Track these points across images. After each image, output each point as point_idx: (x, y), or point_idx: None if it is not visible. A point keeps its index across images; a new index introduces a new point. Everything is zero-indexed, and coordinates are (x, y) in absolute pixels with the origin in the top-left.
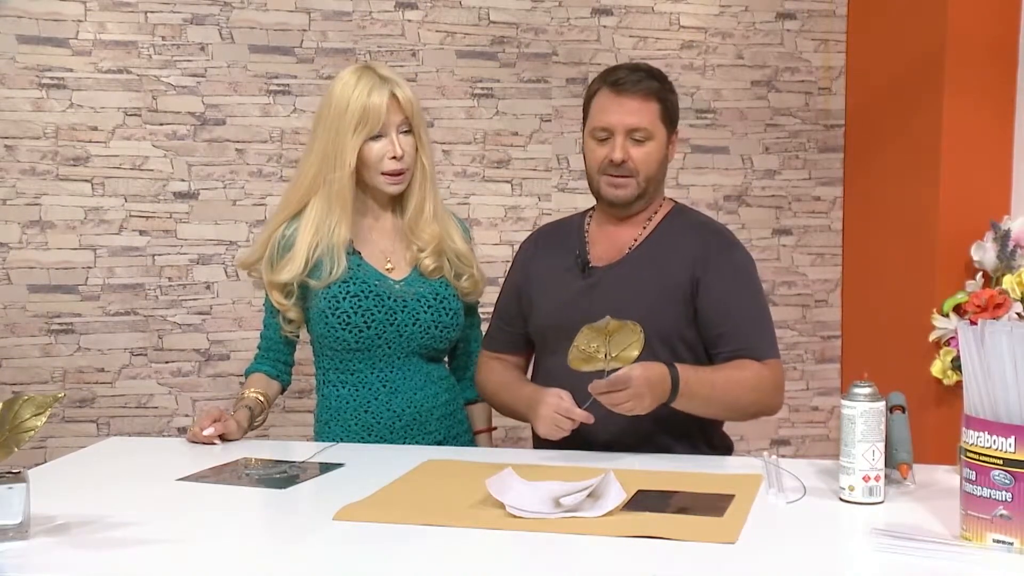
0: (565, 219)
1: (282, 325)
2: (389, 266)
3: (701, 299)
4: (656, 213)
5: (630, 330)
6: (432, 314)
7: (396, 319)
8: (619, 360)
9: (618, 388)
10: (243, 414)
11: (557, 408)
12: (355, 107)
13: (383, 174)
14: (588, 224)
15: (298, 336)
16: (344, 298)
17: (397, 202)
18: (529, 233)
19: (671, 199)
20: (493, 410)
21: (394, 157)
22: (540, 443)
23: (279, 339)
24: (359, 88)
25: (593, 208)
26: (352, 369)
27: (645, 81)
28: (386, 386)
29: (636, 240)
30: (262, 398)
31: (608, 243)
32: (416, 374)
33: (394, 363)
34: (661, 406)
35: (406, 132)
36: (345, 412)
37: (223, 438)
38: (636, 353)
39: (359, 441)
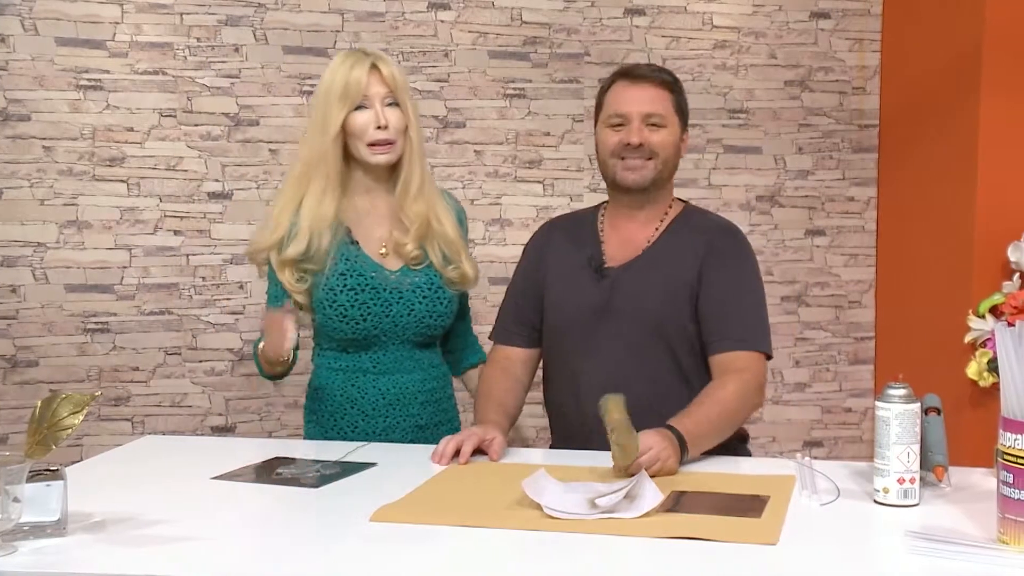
0: (577, 213)
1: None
2: (383, 251)
3: (700, 293)
4: (667, 214)
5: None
6: (427, 304)
7: (392, 311)
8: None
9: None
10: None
11: (452, 439)
12: (339, 82)
13: (369, 145)
14: (602, 221)
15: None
16: (341, 291)
17: (391, 182)
18: None
19: (680, 200)
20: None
21: (379, 127)
22: (554, 444)
23: None
24: (344, 65)
25: (604, 204)
26: (347, 349)
27: (660, 73)
28: (376, 366)
29: (650, 240)
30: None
31: (621, 241)
32: (406, 359)
33: (387, 348)
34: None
35: (392, 105)
36: (333, 384)
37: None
38: (615, 416)
39: (342, 412)
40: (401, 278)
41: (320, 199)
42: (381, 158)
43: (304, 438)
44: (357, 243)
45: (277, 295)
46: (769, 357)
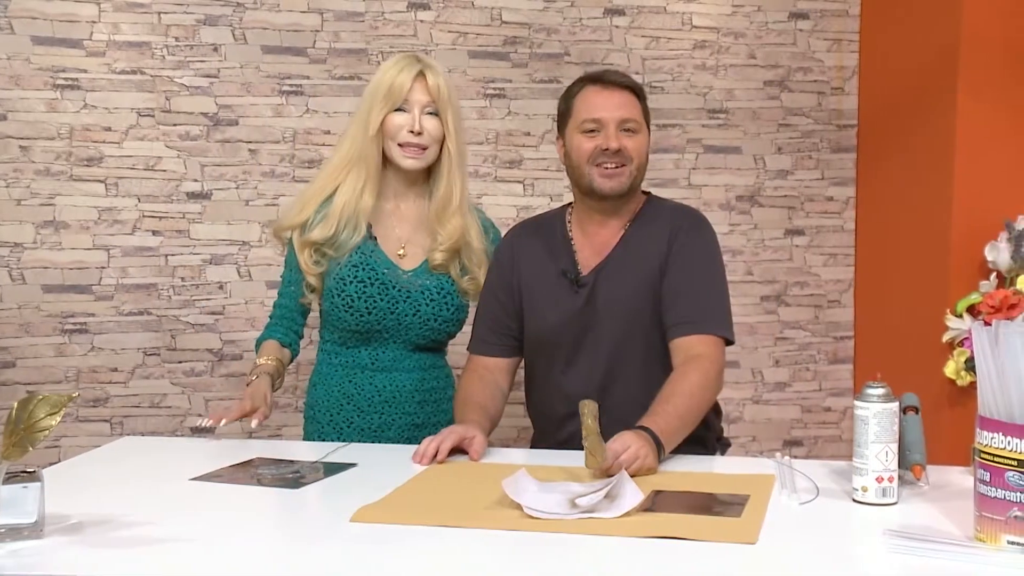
0: (543, 217)
1: (304, 292)
2: (401, 252)
3: (663, 278)
4: (633, 211)
5: (598, 443)
6: (433, 307)
7: (397, 309)
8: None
9: (622, 453)
10: (265, 381)
11: (433, 439)
12: (385, 83)
13: (399, 145)
14: (569, 225)
15: (310, 307)
16: (351, 282)
17: (423, 188)
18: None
19: (644, 192)
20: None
21: (412, 131)
22: (535, 445)
23: (295, 307)
24: (393, 68)
25: (569, 207)
26: (348, 343)
27: (628, 80)
28: (374, 363)
29: (617, 239)
30: (278, 364)
31: (594, 247)
32: (405, 358)
33: (388, 346)
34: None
35: (432, 114)
36: (332, 379)
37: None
38: (589, 422)
39: (338, 408)
40: (413, 279)
41: (359, 193)
42: (410, 162)
43: (303, 438)
44: (375, 239)
45: (291, 279)
46: (730, 342)
